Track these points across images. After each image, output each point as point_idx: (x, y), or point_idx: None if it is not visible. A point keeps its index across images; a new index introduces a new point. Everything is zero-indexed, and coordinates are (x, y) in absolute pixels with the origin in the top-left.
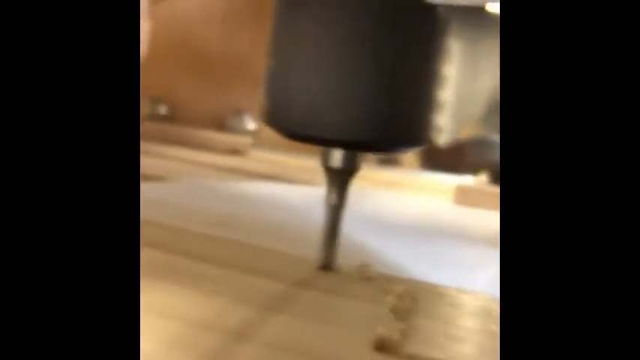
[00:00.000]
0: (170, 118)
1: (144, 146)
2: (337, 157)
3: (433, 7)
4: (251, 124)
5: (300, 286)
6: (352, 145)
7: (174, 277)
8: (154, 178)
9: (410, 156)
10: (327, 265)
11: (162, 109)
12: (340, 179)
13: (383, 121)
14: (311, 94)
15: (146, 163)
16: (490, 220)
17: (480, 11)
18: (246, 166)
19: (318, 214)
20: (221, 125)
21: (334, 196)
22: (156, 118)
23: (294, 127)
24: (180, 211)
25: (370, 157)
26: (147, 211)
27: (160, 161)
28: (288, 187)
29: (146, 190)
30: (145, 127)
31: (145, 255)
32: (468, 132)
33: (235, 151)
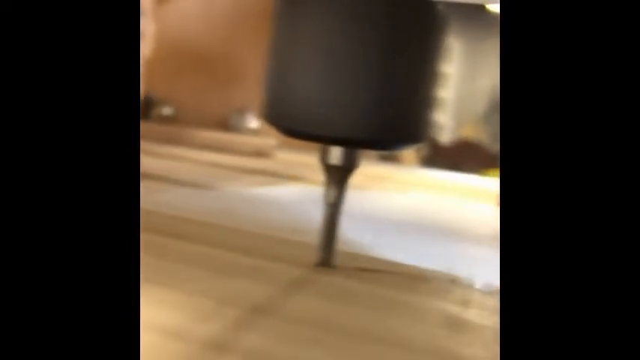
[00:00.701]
0: (174, 119)
1: (178, 152)
2: (336, 154)
3: (433, 5)
4: (254, 123)
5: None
6: (350, 143)
7: (202, 264)
8: (194, 184)
9: (410, 153)
10: (325, 262)
11: (167, 110)
12: (339, 176)
13: (381, 119)
14: (310, 92)
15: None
16: None
17: (480, 10)
18: (272, 167)
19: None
20: (224, 125)
21: (332, 193)
22: (159, 119)
23: (292, 124)
24: (217, 211)
25: (370, 154)
26: (189, 213)
27: (189, 166)
28: (309, 188)
29: (188, 195)
30: (167, 129)
31: (172, 244)
32: (468, 130)
33: (261, 154)
